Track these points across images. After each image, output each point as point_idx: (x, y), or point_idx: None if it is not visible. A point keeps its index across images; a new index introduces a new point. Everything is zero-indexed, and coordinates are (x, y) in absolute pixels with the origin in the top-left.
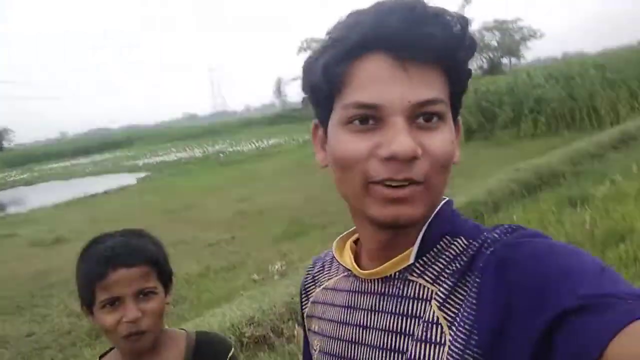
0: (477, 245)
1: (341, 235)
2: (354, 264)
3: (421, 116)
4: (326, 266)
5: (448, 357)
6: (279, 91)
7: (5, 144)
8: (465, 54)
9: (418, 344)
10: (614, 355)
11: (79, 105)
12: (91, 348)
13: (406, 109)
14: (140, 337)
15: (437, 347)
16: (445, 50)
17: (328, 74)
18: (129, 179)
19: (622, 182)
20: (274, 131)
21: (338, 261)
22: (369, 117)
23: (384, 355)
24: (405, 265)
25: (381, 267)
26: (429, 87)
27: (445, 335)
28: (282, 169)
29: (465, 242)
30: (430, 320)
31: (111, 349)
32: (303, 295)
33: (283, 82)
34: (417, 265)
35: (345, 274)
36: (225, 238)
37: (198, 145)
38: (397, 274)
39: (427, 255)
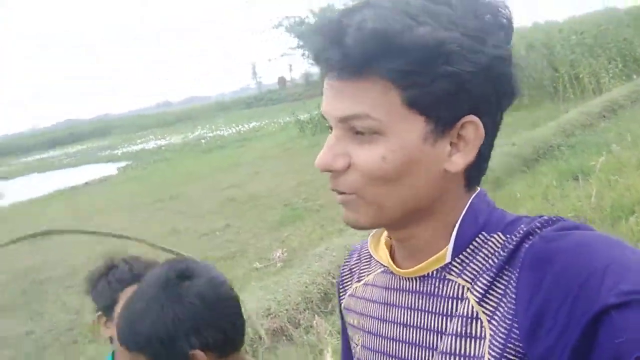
0: (515, 239)
1: (375, 231)
2: (390, 260)
3: (358, 130)
4: (363, 258)
5: (490, 351)
6: (254, 73)
7: None
8: (401, 60)
9: (458, 339)
10: None
11: (48, 98)
12: (95, 343)
13: (335, 122)
14: None
15: (478, 341)
16: (364, 62)
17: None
18: (109, 169)
19: (620, 152)
20: (252, 114)
21: (374, 257)
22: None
23: (425, 353)
24: (442, 264)
25: (418, 266)
26: (353, 102)
27: (485, 329)
28: (267, 153)
29: (503, 237)
30: (470, 315)
31: None
32: (340, 287)
33: (257, 64)
34: (455, 263)
35: (382, 269)
36: (219, 227)
37: (177, 132)
38: (434, 272)
39: (464, 253)
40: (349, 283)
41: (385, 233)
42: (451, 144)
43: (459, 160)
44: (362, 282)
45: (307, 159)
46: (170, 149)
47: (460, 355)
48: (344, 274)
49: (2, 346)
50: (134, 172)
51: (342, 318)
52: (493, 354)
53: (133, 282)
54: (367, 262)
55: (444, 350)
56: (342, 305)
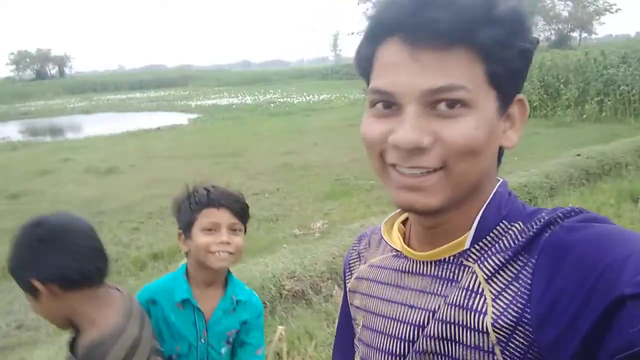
0: (535, 227)
1: (389, 216)
2: (404, 245)
3: (442, 102)
4: (372, 243)
5: (495, 330)
6: (335, 45)
7: (67, 71)
8: (496, 31)
9: (456, 310)
10: None
11: (136, 40)
12: (135, 278)
13: (418, 96)
14: (226, 257)
15: (477, 315)
16: (459, 32)
17: (358, 58)
18: (181, 119)
19: None
20: (325, 86)
21: (386, 241)
22: (392, 103)
23: (418, 330)
24: (460, 250)
25: (436, 250)
26: (443, 73)
27: (487, 306)
28: (330, 126)
29: (523, 226)
30: (474, 289)
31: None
32: (347, 271)
33: (340, 36)
34: (474, 250)
35: (394, 253)
36: (269, 189)
37: (250, 93)
38: (451, 257)
39: (484, 240)
40: (356, 266)
41: (401, 218)
42: (504, 122)
43: (513, 137)
44: (367, 264)
45: None
46: (241, 108)
47: (456, 324)
48: (352, 257)
49: None
50: (202, 124)
51: (346, 300)
52: (501, 334)
53: (209, 205)
54: (376, 247)
55: (441, 318)
56: (348, 287)
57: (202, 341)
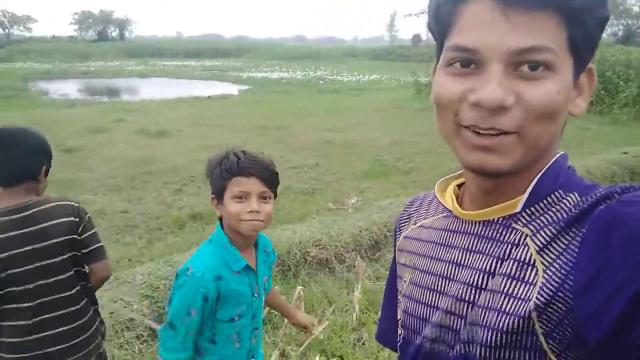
0: (590, 200)
1: (443, 178)
2: (456, 204)
3: (526, 64)
4: (424, 205)
5: (538, 296)
6: (391, 25)
7: (127, 34)
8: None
9: (508, 280)
10: None
11: (196, 8)
12: (175, 235)
13: (505, 55)
14: (256, 224)
15: (528, 286)
16: None
17: (437, 14)
18: (231, 89)
19: None
20: (377, 66)
21: (439, 200)
22: (471, 62)
23: (472, 291)
24: (511, 212)
25: (485, 210)
26: (533, 34)
27: (538, 277)
28: (377, 106)
29: (578, 198)
30: (526, 261)
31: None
32: (397, 231)
33: (397, 16)
34: (524, 214)
35: (445, 214)
36: (309, 163)
37: (301, 68)
38: (500, 219)
39: (536, 206)
40: (405, 225)
41: (457, 181)
42: (574, 89)
43: (582, 104)
44: (417, 224)
45: (413, 120)
46: (291, 82)
47: (506, 295)
48: (403, 218)
49: (99, 217)
50: (252, 96)
51: (394, 260)
52: (541, 299)
53: (239, 174)
54: (427, 208)
55: (493, 288)
56: (397, 246)
57: (256, 296)
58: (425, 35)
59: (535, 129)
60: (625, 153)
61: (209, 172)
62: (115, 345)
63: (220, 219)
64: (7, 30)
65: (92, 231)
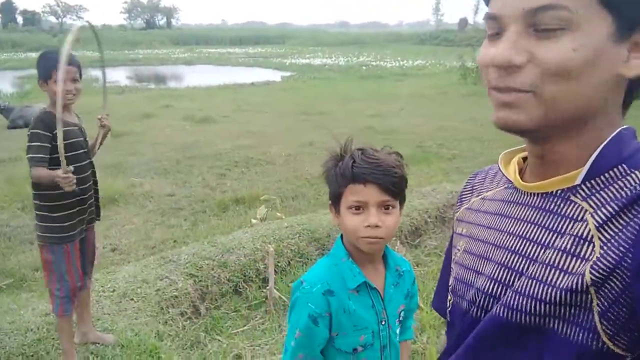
0: None
1: (510, 150)
2: (517, 176)
3: (543, 25)
4: (487, 178)
5: (592, 271)
6: (437, 9)
7: (174, 22)
8: None
9: (563, 255)
10: None
11: None
12: (218, 218)
13: (521, 16)
14: (375, 241)
15: (582, 261)
16: None
17: None
18: (274, 75)
19: None
20: (422, 51)
21: (502, 171)
22: (499, 29)
23: (524, 262)
24: (570, 185)
25: (545, 181)
26: None
27: (595, 253)
28: (421, 92)
29: None
30: (584, 236)
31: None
32: (458, 202)
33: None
34: (584, 187)
35: (506, 185)
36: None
37: (344, 54)
38: (559, 191)
39: (597, 179)
40: (468, 197)
41: (522, 154)
42: (628, 50)
43: (639, 65)
44: (480, 196)
45: (458, 106)
46: (334, 68)
47: (558, 269)
48: (466, 189)
49: (146, 199)
50: (295, 83)
51: (453, 230)
52: (597, 274)
53: (354, 181)
54: (490, 181)
55: (545, 261)
56: (456, 216)
57: (383, 324)
58: (472, 18)
59: (551, 88)
60: None
61: (325, 175)
62: (160, 320)
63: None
64: (60, 19)
65: None
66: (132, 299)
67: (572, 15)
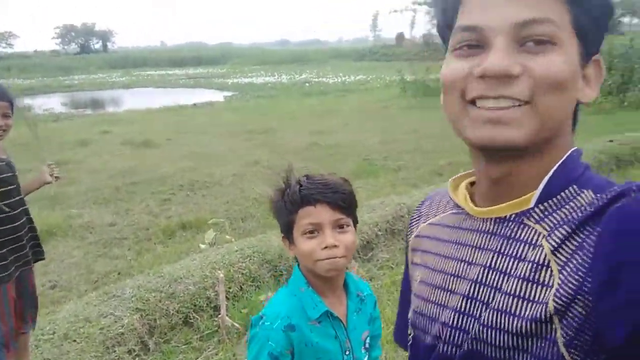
0: (606, 198)
1: (456, 176)
2: (468, 201)
3: (530, 41)
4: (434, 204)
5: (555, 299)
6: (374, 25)
7: (110, 46)
8: None
9: (524, 283)
10: None
11: (178, 17)
12: (164, 246)
13: (508, 29)
14: (336, 262)
15: (544, 288)
16: None
17: (444, 4)
18: (217, 96)
19: None
20: (362, 66)
21: (451, 197)
22: (478, 44)
23: (487, 291)
24: (523, 208)
25: (497, 206)
26: (533, 7)
27: (554, 278)
28: (363, 107)
29: (593, 195)
30: (541, 262)
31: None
32: (408, 230)
33: (380, 16)
34: (537, 210)
35: (455, 211)
36: (298, 167)
37: (286, 72)
38: (512, 216)
39: (549, 202)
40: (416, 225)
41: (469, 179)
42: (582, 77)
43: (592, 93)
44: (428, 222)
45: (400, 119)
46: (276, 87)
47: (523, 299)
48: (414, 218)
49: (86, 230)
50: (237, 102)
51: (407, 260)
52: (560, 302)
53: (304, 204)
54: (437, 207)
55: (508, 291)
56: (409, 246)
57: (347, 353)
58: (409, 33)
59: (547, 100)
60: (610, 141)
61: (274, 208)
62: None
63: (297, 259)
64: None
65: None
66: (75, 340)
67: (559, 31)
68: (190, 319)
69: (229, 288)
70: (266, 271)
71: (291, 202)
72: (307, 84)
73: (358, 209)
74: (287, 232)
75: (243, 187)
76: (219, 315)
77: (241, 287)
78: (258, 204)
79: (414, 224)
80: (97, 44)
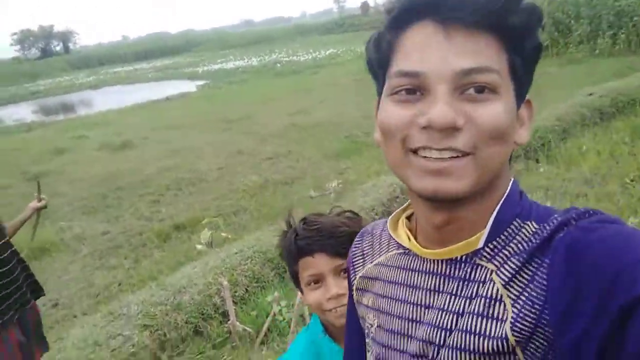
0: (549, 228)
1: (394, 213)
2: (414, 241)
3: (471, 88)
4: (375, 241)
5: (514, 333)
6: None
7: (71, 46)
8: (522, 18)
9: (478, 319)
10: None
11: (138, 9)
12: (161, 250)
13: (450, 77)
14: (343, 310)
15: (498, 322)
16: (492, 13)
17: (378, 46)
18: (189, 86)
19: None
20: (330, 40)
21: (394, 238)
22: (416, 89)
23: (443, 334)
24: (473, 249)
25: (447, 249)
26: (476, 55)
27: (507, 312)
28: (338, 82)
29: (536, 225)
30: (493, 297)
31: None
32: (351, 269)
33: None
34: (487, 249)
35: (401, 251)
36: (282, 152)
37: (255, 54)
38: (464, 257)
39: (497, 239)
40: (360, 264)
41: (406, 213)
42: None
43: (525, 133)
44: (374, 262)
45: (374, 91)
46: (247, 70)
47: (479, 335)
48: (355, 255)
49: (79, 242)
50: (210, 90)
51: (351, 298)
52: (520, 336)
53: (301, 255)
54: (379, 244)
55: (463, 328)
56: (354, 285)
57: None
58: (373, 1)
59: (489, 150)
60: (590, 94)
61: (281, 255)
62: None
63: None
64: None
65: None
66: None
67: (499, 79)
68: (200, 328)
69: (235, 292)
70: (269, 270)
71: (289, 254)
72: (278, 65)
73: (352, 194)
74: (296, 282)
75: (230, 179)
76: (229, 322)
77: (246, 290)
78: (249, 196)
79: (357, 262)
80: (57, 46)
